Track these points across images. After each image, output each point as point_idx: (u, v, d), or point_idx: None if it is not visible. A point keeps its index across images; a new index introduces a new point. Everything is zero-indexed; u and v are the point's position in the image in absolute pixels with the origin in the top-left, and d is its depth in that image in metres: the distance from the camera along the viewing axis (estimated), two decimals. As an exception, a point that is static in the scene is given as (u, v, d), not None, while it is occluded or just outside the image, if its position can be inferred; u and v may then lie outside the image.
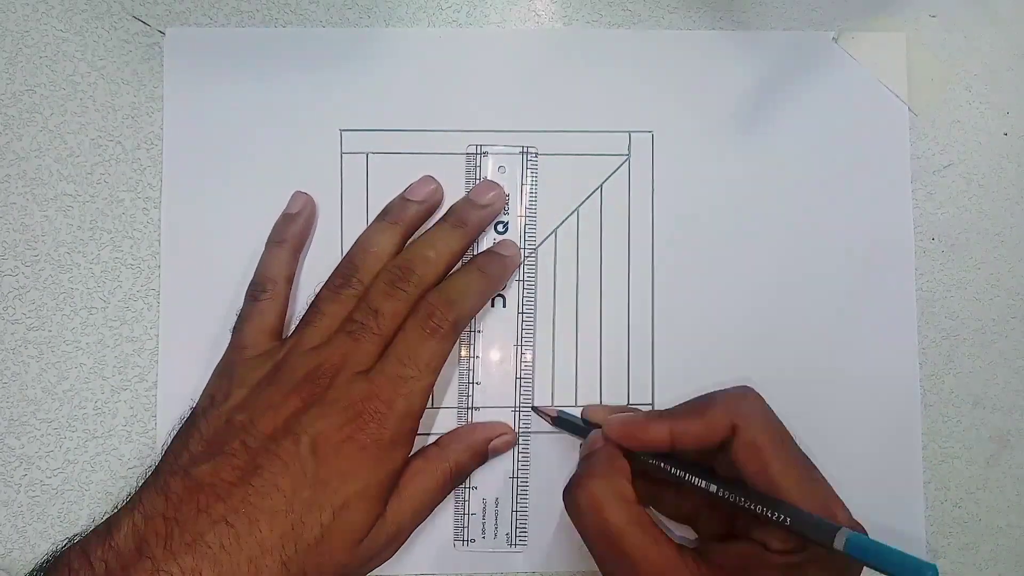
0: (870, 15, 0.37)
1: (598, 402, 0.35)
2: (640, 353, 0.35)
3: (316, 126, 0.35)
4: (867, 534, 0.27)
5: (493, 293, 0.35)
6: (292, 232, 0.34)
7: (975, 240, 0.37)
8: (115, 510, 0.28)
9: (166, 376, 0.34)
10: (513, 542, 0.34)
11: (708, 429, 0.28)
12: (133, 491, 0.28)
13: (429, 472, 0.32)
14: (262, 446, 0.28)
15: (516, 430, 0.35)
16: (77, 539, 0.27)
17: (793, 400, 0.35)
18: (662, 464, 0.30)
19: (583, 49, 0.36)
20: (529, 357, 0.35)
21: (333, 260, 0.34)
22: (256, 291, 0.33)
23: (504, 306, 0.35)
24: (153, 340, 0.35)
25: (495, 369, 0.35)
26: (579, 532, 0.29)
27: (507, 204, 0.35)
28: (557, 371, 0.35)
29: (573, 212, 0.36)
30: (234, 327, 0.33)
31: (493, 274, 0.34)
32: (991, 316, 0.36)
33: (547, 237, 0.35)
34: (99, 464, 0.34)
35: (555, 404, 0.35)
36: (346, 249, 0.35)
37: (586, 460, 0.30)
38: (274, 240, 0.34)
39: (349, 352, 0.30)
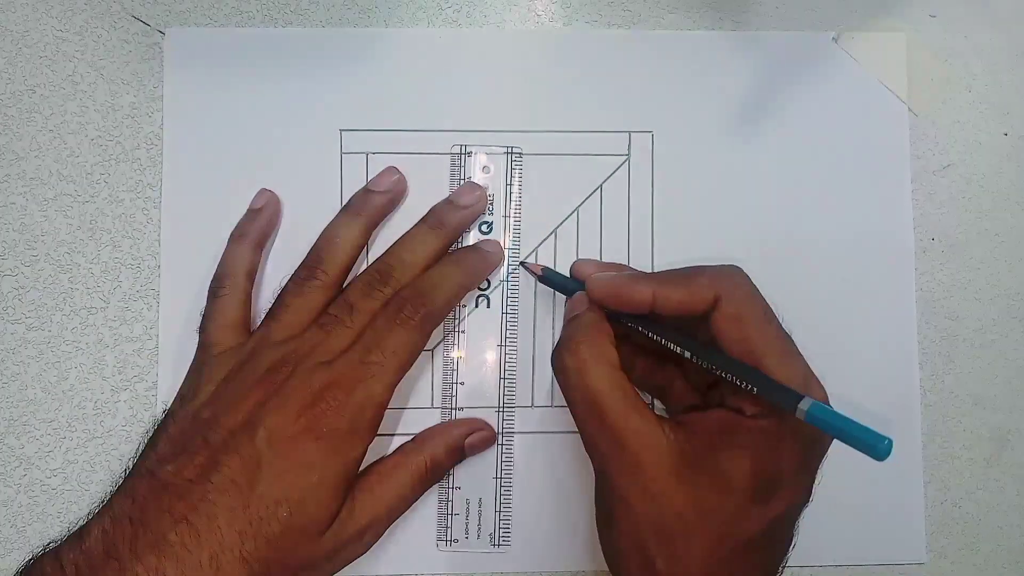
0: (870, 15, 0.37)
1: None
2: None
3: (316, 126, 0.35)
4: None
5: (470, 288, 0.34)
6: (254, 228, 0.34)
7: (975, 240, 0.37)
8: (89, 516, 0.28)
9: (166, 376, 0.34)
10: (496, 542, 0.34)
11: (691, 296, 0.28)
12: (107, 495, 0.29)
13: (404, 467, 0.32)
14: (223, 442, 0.28)
15: (499, 430, 0.35)
16: (51, 546, 0.27)
17: (793, 400, 0.35)
18: (640, 328, 0.30)
19: (583, 49, 0.36)
20: (514, 357, 0.35)
21: (333, 260, 0.35)
22: (216, 287, 0.33)
23: (488, 307, 0.35)
24: (153, 340, 0.35)
25: (479, 369, 0.35)
26: (563, 394, 0.29)
27: (490, 205, 0.35)
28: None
29: (573, 212, 0.36)
30: (199, 327, 0.33)
31: (469, 268, 0.34)
32: (991, 316, 0.36)
33: (547, 237, 0.35)
34: (99, 464, 0.34)
35: (554, 403, 0.35)
36: (346, 249, 0.35)
37: (571, 323, 0.30)
38: (235, 235, 0.34)
39: (318, 344, 0.30)
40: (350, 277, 0.34)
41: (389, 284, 0.32)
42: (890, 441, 0.24)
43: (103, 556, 0.26)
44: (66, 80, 0.35)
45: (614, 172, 0.36)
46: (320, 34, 0.36)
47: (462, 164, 0.35)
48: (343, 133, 0.35)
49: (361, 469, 0.31)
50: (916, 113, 0.37)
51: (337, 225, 0.34)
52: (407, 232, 0.34)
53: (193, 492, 0.27)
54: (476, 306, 0.35)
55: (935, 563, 0.35)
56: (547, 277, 0.34)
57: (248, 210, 0.35)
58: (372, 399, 0.30)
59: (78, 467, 0.34)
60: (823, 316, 0.36)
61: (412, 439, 0.34)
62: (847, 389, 0.35)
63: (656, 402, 0.34)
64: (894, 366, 0.36)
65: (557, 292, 0.34)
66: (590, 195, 0.36)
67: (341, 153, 0.35)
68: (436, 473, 0.33)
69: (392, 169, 0.35)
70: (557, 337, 0.35)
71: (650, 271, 0.35)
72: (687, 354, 0.29)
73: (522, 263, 0.35)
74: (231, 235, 0.34)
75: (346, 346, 0.30)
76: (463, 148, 0.35)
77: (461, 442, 0.33)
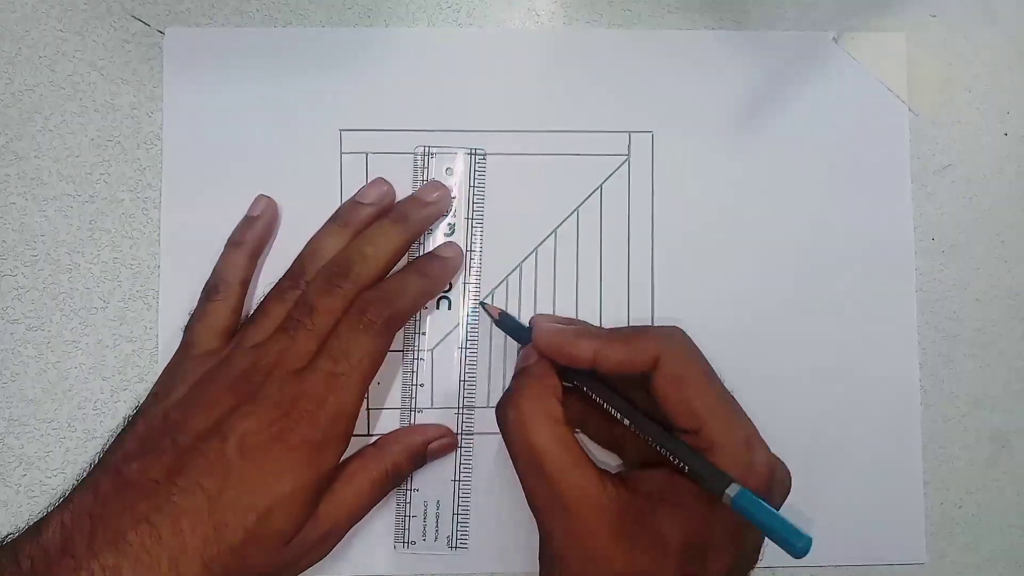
0: (870, 15, 0.37)
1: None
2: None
3: (316, 126, 0.35)
4: (788, 475, 0.28)
5: (433, 294, 0.34)
6: (251, 235, 0.34)
7: (975, 240, 0.37)
8: (49, 508, 0.28)
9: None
10: (454, 544, 0.34)
11: (632, 356, 0.28)
12: (68, 488, 0.29)
13: (365, 473, 0.31)
14: (191, 445, 0.28)
15: (459, 431, 0.34)
16: (9, 538, 0.27)
17: (793, 400, 0.35)
18: (585, 388, 0.30)
19: (583, 49, 0.36)
20: (474, 359, 0.35)
21: (333, 260, 0.35)
22: (210, 292, 0.33)
23: (449, 308, 0.35)
24: (153, 340, 0.35)
25: (439, 371, 0.35)
26: (506, 447, 0.29)
27: (453, 206, 0.35)
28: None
29: (573, 212, 0.36)
30: (185, 326, 0.33)
31: (432, 275, 0.34)
32: (991, 316, 0.36)
33: (547, 237, 0.35)
34: (99, 464, 0.34)
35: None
36: (346, 249, 0.35)
37: (519, 375, 0.30)
38: (232, 242, 0.34)
39: (285, 350, 0.30)
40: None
41: (348, 278, 0.31)
42: (809, 539, 0.25)
43: (59, 551, 0.26)
44: (66, 80, 0.35)
45: (614, 172, 0.36)
46: (320, 34, 0.36)
47: (425, 165, 0.35)
48: (343, 133, 0.35)
49: None
50: (916, 113, 0.37)
51: (322, 235, 0.34)
52: (368, 227, 0.34)
53: (158, 493, 0.27)
54: (437, 307, 0.35)
55: (935, 563, 0.35)
56: (503, 322, 0.34)
57: (245, 217, 0.34)
58: (343, 410, 0.30)
59: (78, 467, 0.34)
60: (823, 316, 0.36)
61: (374, 443, 0.33)
62: (847, 389, 0.35)
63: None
64: (894, 366, 0.36)
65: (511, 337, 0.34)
66: (590, 195, 0.36)
67: (341, 153, 0.35)
68: (397, 478, 0.33)
69: (381, 180, 0.35)
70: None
71: (601, 326, 0.35)
72: (625, 421, 0.29)
73: (481, 303, 0.35)
74: (228, 241, 0.34)
75: (312, 350, 0.30)
76: (426, 149, 0.35)
77: (423, 448, 0.33)
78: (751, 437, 0.28)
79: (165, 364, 0.33)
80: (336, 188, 0.35)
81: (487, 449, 0.35)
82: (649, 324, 0.31)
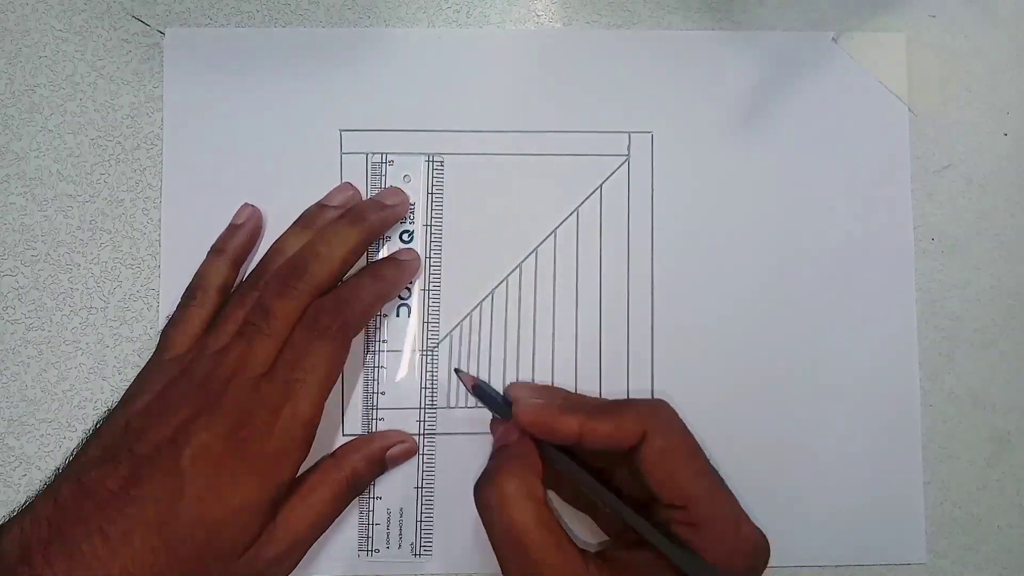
0: (870, 15, 0.37)
1: (597, 393, 0.35)
2: (639, 353, 0.35)
3: (316, 126, 0.35)
4: (768, 544, 0.29)
5: (388, 297, 0.34)
6: (233, 243, 0.34)
7: (975, 240, 0.37)
8: (12, 513, 0.28)
9: (166, 376, 0.34)
10: (418, 552, 0.34)
11: (618, 431, 0.28)
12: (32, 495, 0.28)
13: (325, 484, 0.31)
14: (147, 455, 0.28)
15: (421, 432, 0.34)
16: None
17: (793, 400, 0.35)
18: (566, 471, 0.30)
19: (583, 49, 0.36)
20: (432, 363, 0.35)
21: (333, 260, 0.35)
22: (187, 298, 0.33)
23: (409, 315, 0.35)
24: (153, 340, 0.35)
25: (400, 377, 0.34)
26: (485, 528, 0.28)
27: (411, 212, 0.35)
28: (556, 371, 0.35)
29: (573, 212, 0.36)
30: (162, 330, 0.33)
31: (388, 278, 0.33)
32: (991, 316, 0.36)
33: (547, 237, 0.35)
34: (99, 464, 0.34)
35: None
36: (346, 249, 0.35)
37: (498, 453, 0.30)
38: (215, 249, 0.34)
39: (243, 356, 0.30)
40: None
41: (303, 279, 0.31)
42: None
43: (17, 558, 0.26)
44: (66, 80, 0.35)
45: (614, 172, 0.36)
46: (320, 34, 0.36)
47: (382, 173, 0.35)
48: (343, 133, 0.35)
49: None
50: (916, 113, 0.37)
51: (285, 237, 0.33)
52: (324, 226, 0.33)
53: (112, 503, 0.27)
54: (397, 315, 0.35)
55: (935, 563, 0.35)
56: (480, 390, 0.33)
57: (229, 225, 0.34)
58: (299, 419, 0.29)
59: (78, 467, 0.34)
60: (823, 316, 0.36)
61: (332, 454, 0.33)
62: (847, 389, 0.35)
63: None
64: (894, 366, 0.36)
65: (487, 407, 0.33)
66: (590, 195, 0.36)
67: (341, 153, 0.35)
68: (357, 488, 0.33)
69: (347, 184, 0.35)
70: (572, 338, 0.35)
71: (579, 394, 0.34)
72: (602, 500, 0.29)
73: (456, 370, 0.34)
74: (211, 248, 0.34)
75: (270, 355, 0.30)
76: (384, 157, 0.35)
77: (382, 455, 0.33)
78: (737, 513, 0.28)
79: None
80: (336, 188, 0.35)
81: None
82: (632, 398, 0.31)
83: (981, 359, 0.36)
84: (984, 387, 0.36)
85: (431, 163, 0.35)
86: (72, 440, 0.34)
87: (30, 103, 0.35)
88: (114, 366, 0.34)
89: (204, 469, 0.28)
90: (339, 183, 0.35)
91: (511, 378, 0.35)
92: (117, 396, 0.34)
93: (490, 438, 0.34)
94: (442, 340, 0.35)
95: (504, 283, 0.35)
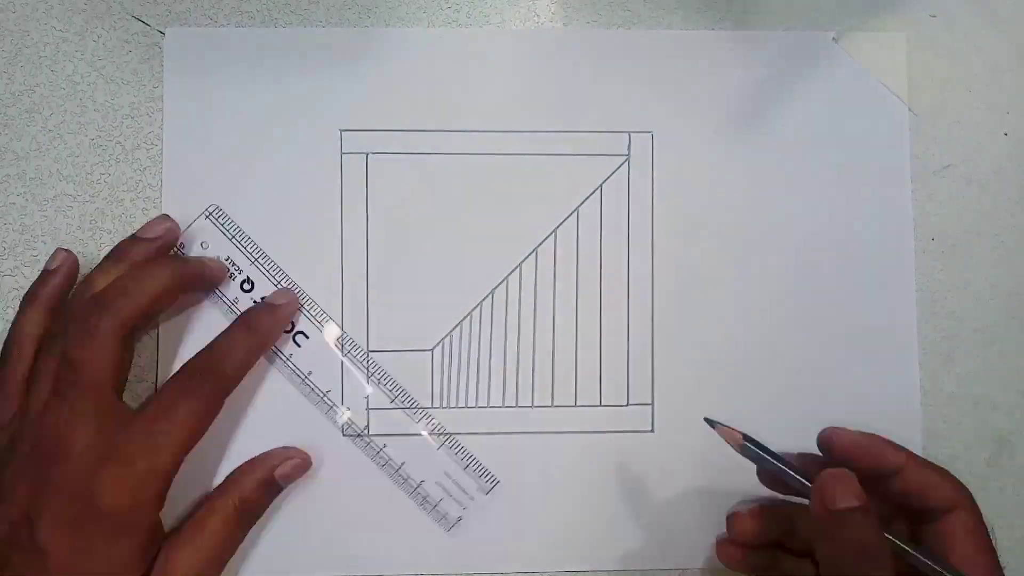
0: (870, 15, 0.37)
1: (598, 402, 0.35)
2: (639, 353, 0.35)
3: (316, 126, 0.35)
4: None
5: (264, 349, 0.33)
6: (47, 290, 0.32)
7: (975, 240, 0.37)
8: None
9: (166, 376, 0.34)
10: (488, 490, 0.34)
11: (942, 486, 0.29)
12: None
13: (213, 517, 0.31)
14: (6, 537, 0.27)
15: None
16: None
17: (793, 400, 0.35)
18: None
19: (583, 49, 0.36)
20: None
21: (333, 262, 0.35)
22: (3, 357, 0.31)
23: (308, 338, 0.34)
24: (153, 340, 0.35)
25: (351, 394, 0.35)
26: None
27: (228, 272, 0.34)
28: (556, 371, 0.35)
29: (573, 212, 0.36)
30: None
31: (262, 329, 0.33)
32: (991, 316, 0.36)
33: (547, 237, 0.35)
34: (99, 464, 0.34)
35: (554, 403, 0.35)
36: (346, 251, 0.35)
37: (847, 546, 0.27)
38: (26, 298, 0.32)
39: (67, 416, 0.28)
40: None
41: (106, 318, 0.29)
42: None
43: None
44: (66, 80, 0.35)
45: (614, 172, 0.36)
46: (320, 34, 0.36)
47: (183, 250, 0.34)
48: (343, 133, 0.35)
49: (174, 524, 0.31)
50: (916, 113, 0.37)
51: (95, 274, 0.31)
52: (137, 261, 0.32)
53: None
54: (298, 345, 0.34)
55: (935, 563, 0.35)
56: (750, 449, 0.29)
57: (42, 271, 0.33)
58: (158, 472, 0.29)
59: (78, 467, 0.34)
60: (823, 316, 0.36)
61: (220, 483, 0.33)
62: (847, 389, 0.35)
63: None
64: (894, 366, 0.36)
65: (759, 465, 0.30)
66: (590, 195, 0.36)
67: (341, 153, 0.35)
68: (252, 513, 0.32)
69: (164, 217, 0.34)
70: (572, 339, 0.35)
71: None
72: (914, 555, 0.28)
73: (709, 420, 0.30)
74: (23, 298, 0.32)
75: (105, 413, 0.29)
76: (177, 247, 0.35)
77: (271, 474, 0.32)
78: None
79: (161, 363, 0.34)
80: (336, 188, 0.35)
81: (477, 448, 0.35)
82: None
83: (981, 359, 0.36)
84: (984, 387, 0.36)
85: (210, 219, 0.34)
86: (72, 440, 0.34)
87: (30, 103, 0.35)
88: (114, 366, 0.34)
89: (62, 537, 0.27)
90: (322, 179, 0.35)
91: (511, 378, 0.35)
92: (117, 396, 0.34)
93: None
94: (442, 340, 0.35)
95: (504, 283, 0.35)
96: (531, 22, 0.36)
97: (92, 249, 0.35)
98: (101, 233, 0.35)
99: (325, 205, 0.35)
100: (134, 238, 0.33)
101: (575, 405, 0.35)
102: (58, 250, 0.33)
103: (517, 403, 0.35)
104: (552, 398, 0.35)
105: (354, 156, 0.35)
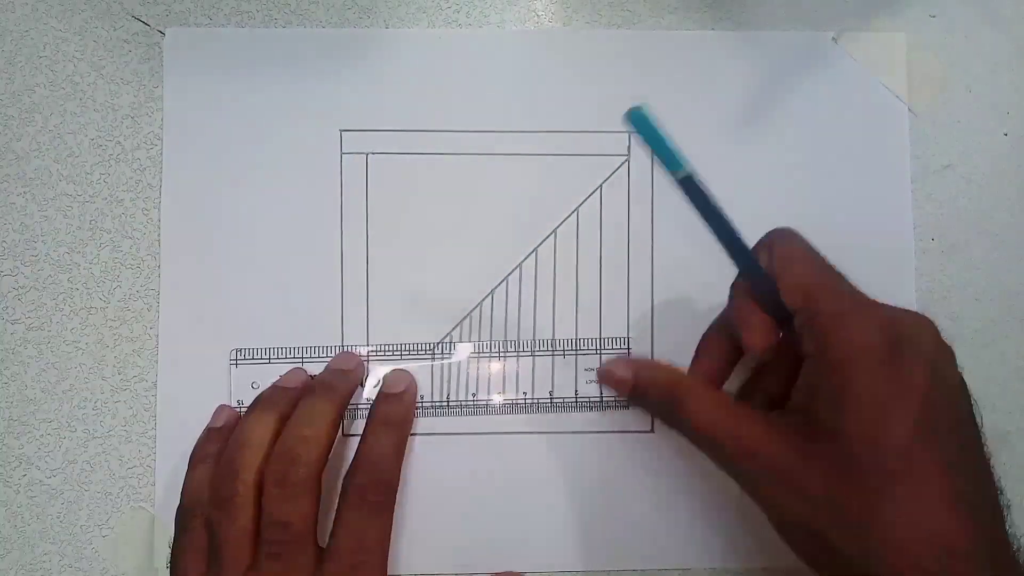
0: (870, 15, 0.37)
1: (598, 402, 0.35)
2: (640, 353, 0.35)
3: (316, 126, 0.35)
4: (928, 325, 0.28)
5: (407, 436, 0.33)
6: (216, 448, 0.32)
7: (975, 240, 0.37)
8: None
9: (166, 376, 0.34)
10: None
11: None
12: None
13: None
14: None
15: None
16: None
17: (793, 400, 0.35)
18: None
19: (583, 49, 0.36)
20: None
21: (333, 264, 0.35)
22: (185, 520, 0.31)
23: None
24: (153, 340, 0.35)
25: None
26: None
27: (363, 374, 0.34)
28: (556, 371, 0.35)
29: (573, 212, 0.36)
30: (170, 562, 0.31)
31: (398, 420, 0.33)
32: (991, 316, 0.36)
33: (547, 237, 0.35)
34: (99, 464, 0.34)
35: (554, 403, 0.35)
36: (346, 251, 0.35)
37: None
38: (197, 459, 0.32)
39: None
40: None
41: (301, 471, 0.30)
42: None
43: None
44: (66, 80, 0.35)
45: (614, 172, 0.36)
46: (320, 34, 0.36)
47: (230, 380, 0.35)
48: (343, 133, 0.35)
49: None
50: (916, 113, 0.37)
51: (251, 425, 0.31)
52: (299, 408, 0.32)
53: None
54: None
55: (935, 563, 0.35)
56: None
57: (206, 429, 0.33)
58: None
59: (78, 467, 0.34)
60: (823, 316, 0.36)
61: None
62: (847, 389, 0.35)
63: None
64: (894, 366, 0.36)
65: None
66: (590, 195, 0.36)
67: (341, 153, 0.35)
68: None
69: (300, 370, 0.34)
70: (572, 339, 0.35)
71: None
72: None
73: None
74: (192, 459, 0.32)
75: (310, 559, 0.29)
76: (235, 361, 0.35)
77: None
78: (865, 302, 0.28)
79: (160, 363, 0.34)
80: (336, 188, 0.35)
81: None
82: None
83: (981, 359, 0.36)
84: (984, 387, 0.36)
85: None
86: (72, 440, 0.34)
87: (30, 103, 0.35)
88: (114, 366, 0.34)
89: None
90: (322, 179, 0.35)
91: (511, 378, 0.35)
92: (117, 396, 0.34)
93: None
94: (442, 340, 0.35)
95: (504, 283, 0.35)
96: (531, 22, 0.36)
97: (92, 249, 0.35)
98: (101, 233, 0.35)
99: (325, 205, 0.35)
100: (277, 387, 0.33)
101: (575, 405, 0.35)
102: (221, 407, 0.34)
103: (517, 403, 0.35)
104: (552, 398, 0.35)
105: (354, 156, 0.35)
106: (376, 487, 0.31)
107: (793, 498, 0.26)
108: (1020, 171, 0.37)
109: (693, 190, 0.28)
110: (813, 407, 0.27)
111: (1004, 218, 0.37)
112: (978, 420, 0.27)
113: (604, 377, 0.33)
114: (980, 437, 0.27)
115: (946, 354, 0.27)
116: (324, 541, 0.30)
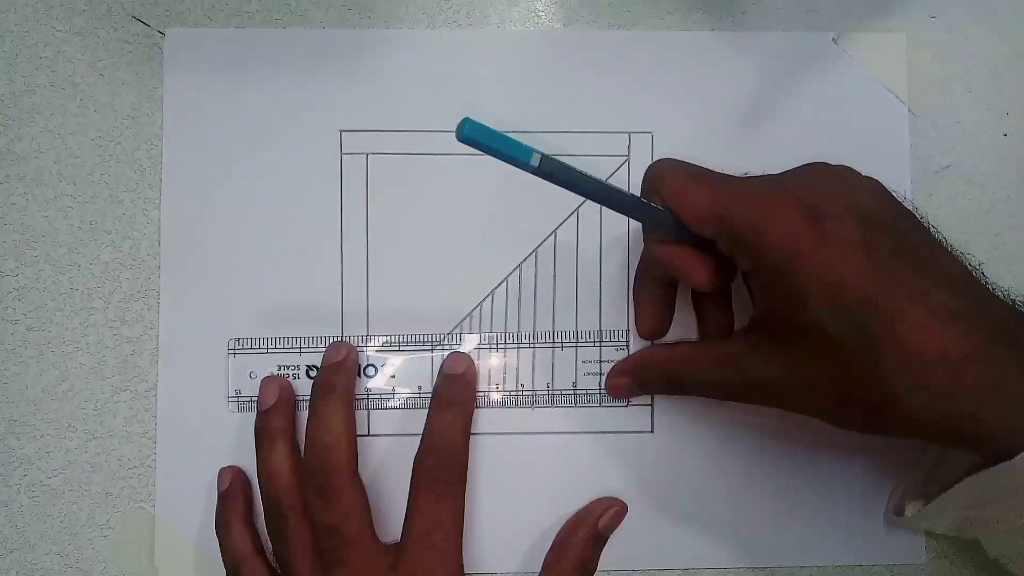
0: (870, 15, 0.37)
1: (598, 402, 0.35)
2: (638, 346, 0.35)
3: (316, 126, 0.35)
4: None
5: (471, 416, 0.33)
6: (241, 508, 0.33)
7: (975, 240, 0.36)
8: None
9: (166, 376, 0.34)
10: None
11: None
12: None
13: None
14: None
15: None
16: None
17: (793, 400, 0.35)
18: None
19: (583, 50, 0.36)
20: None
21: (333, 262, 0.35)
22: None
23: (377, 372, 0.35)
24: (153, 340, 0.35)
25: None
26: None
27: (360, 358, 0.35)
28: (557, 371, 0.35)
29: (573, 212, 0.36)
30: None
31: (461, 400, 0.33)
32: (991, 316, 0.36)
33: (547, 237, 0.35)
34: (99, 464, 0.34)
35: (554, 403, 0.35)
36: (346, 251, 0.35)
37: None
38: (224, 522, 0.33)
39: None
40: None
41: (338, 477, 0.31)
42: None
43: None
44: (66, 80, 0.35)
45: (614, 172, 0.36)
46: (320, 34, 0.36)
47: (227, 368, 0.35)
48: (343, 133, 0.35)
49: None
50: (916, 113, 0.37)
51: (269, 458, 0.32)
52: (310, 419, 0.32)
53: None
54: (369, 376, 0.35)
55: (935, 563, 0.35)
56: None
57: (221, 495, 0.33)
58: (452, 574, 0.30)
59: (78, 467, 0.34)
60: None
61: (551, 548, 0.33)
62: (847, 389, 0.35)
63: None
64: (894, 366, 0.36)
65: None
66: (590, 195, 0.36)
67: (341, 153, 0.35)
68: (588, 571, 0.33)
69: (279, 377, 0.34)
70: (572, 339, 0.35)
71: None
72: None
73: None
74: (219, 523, 0.33)
75: (375, 555, 0.30)
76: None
77: (596, 530, 0.33)
78: (756, 195, 0.28)
79: (161, 363, 0.34)
80: (336, 188, 0.35)
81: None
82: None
83: (981, 359, 0.36)
84: (984, 387, 0.36)
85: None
86: (72, 440, 0.34)
87: (30, 104, 0.35)
88: (114, 366, 0.34)
89: None
90: (322, 179, 0.35)
91: (511, 378, 0.35)
92: (117, 396, 0.34)
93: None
94: (442, 340, 0.35)
95: (504, 283, 0.35)
96: (531, 22, 0.36)
97: (92, 249, 0.35)
98: (101, 233, 0.35)
99: (325, 205, 0.35)
100: (262, 412, 0.33)
101: (575, 405, 0.35)
102: (224, 470, 0.34)
103: (517, 403, 0.35)
104: (552, 398, 0.35)
105: (354, 156, 0.35)
106: (447, 468, 0.31)
107: (810, 395, 0.27)
108: (1020, 171, 0.37)
109: (557, 169, 0.26)
110: (780, 312, 0.27)
111: (1004, 218, 0.37)
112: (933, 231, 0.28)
113: (611, 391, 0.34)
114: (942, 244, 0.28)
115: (862, 189, 0.28)
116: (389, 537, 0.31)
